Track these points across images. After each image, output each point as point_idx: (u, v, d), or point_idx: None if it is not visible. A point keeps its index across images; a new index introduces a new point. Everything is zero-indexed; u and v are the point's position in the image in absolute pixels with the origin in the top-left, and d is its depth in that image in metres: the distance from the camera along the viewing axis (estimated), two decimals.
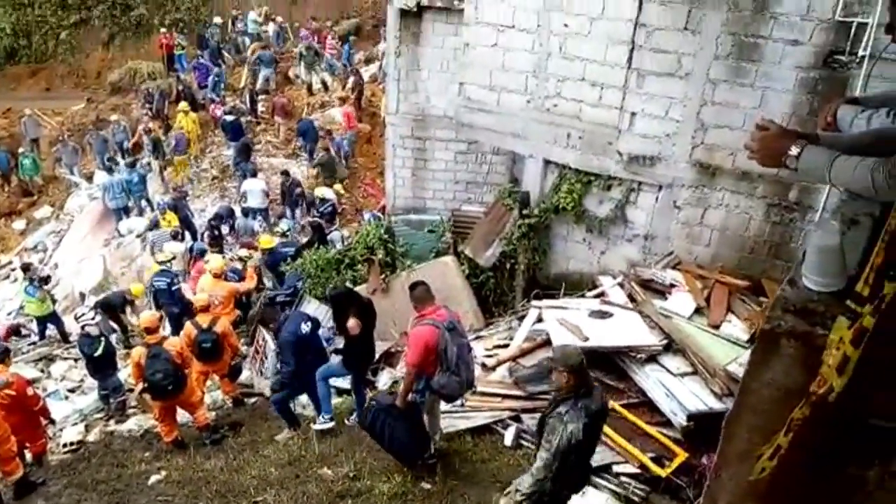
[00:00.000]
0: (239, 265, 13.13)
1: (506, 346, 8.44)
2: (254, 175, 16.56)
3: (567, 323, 7.81)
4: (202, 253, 13.46)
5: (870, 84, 6.29)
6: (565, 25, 8.85)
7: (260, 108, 20.06)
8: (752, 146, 2.57)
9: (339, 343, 7.60)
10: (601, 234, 9.65)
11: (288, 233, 14.23)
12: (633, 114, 8.82)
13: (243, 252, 14.19)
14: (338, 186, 16.26)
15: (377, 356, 8.44)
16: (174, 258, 12.81)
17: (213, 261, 11.50)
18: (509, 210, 10.03)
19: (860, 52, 7.20)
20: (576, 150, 9.37)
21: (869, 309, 1.71)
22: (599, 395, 4.50)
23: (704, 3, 7.88)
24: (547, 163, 9.76)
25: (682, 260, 9.03)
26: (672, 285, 8.47)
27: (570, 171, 9.56)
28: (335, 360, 7.67)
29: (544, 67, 9.25)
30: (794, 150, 2.41)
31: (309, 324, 7.67)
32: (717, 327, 7.66)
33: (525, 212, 9.84)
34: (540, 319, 8.45)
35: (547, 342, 7.82)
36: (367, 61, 22.14)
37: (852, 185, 2.25)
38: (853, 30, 7.21)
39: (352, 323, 6.72)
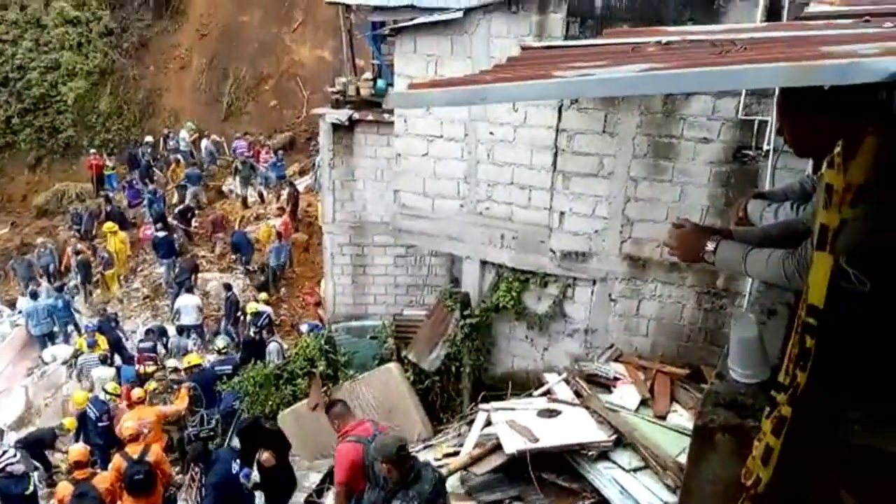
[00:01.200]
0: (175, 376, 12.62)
1: (456, 453, 8.20)
2: (189, 291, 16.18)
3: (516, 425, 7.68)
4: (133, 378, 12.84)
5: (777, 175, 6.78)
6: (491, 133, 9.25)
7: (194, 223, 19.90)
8: (671, 244, 2.68)
9: (255, 476, 7.24)
10: (542, 331, 9.71)
11: (226, 349, 13.80)
12: (562, 213, 9.12)
13: (172, 363, 13.66)
14: (263, 295, 15.84)
15: (323, 475, 8.06)
16: (110, 386, 12.20)
17: (136, 390, 11.08)
18: (451, 311, 10.04)
19: (765, 147, 7.74)
20: (511, 250, 9.57)
21: (784, 398, 1.74)
22: (431, 477, 4.44)
23: (619, 107, 8.40)
24: (484, 263, 9.91)
25: (623, 352, 9.13)
26: (616, 378, 8.51)
27: (506, 271, 9.72)
28: (259, 498, 7.27)
29: (474, 173, 9.56)
30: (710, 246, 2.52)
31: (238, 461, 7.28)
32: (663, 418, 7.66)
33: (466, 312, 9.86)
34: (489, 423, 8.29)
35: (498, 447, 7.64)
36: (302, 172, 22.47)
37: (766, 275, 2.35)
38: (756, 127, 7.79)
39: (265, 456, 6.50)
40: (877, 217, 1.66)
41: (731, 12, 7.76)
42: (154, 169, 22.44)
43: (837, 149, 1.56)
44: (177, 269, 17.12)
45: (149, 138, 24.24)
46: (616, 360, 9.03)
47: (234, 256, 18.18)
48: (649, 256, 8.79)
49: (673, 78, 1.51)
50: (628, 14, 8.14)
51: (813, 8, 4.89)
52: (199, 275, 17.84)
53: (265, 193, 20.84)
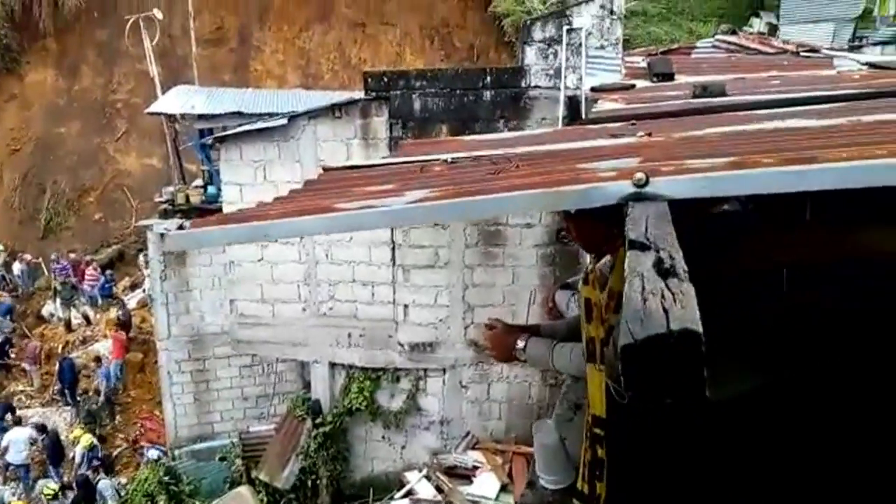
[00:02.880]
0: None
1: None
2: (18, 423, 14.37)
3: None
4: None
5: None
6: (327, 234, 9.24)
7: (11, 355, 17.87)
8: (484, 345, 2.74)
9: None
10: (399, 428, 9.55)
11: (58, 494, 12.22)
12: (406, 306, 9.20)
13: None
14: (88, 436, 13.98)
15: None
16: None
17: None
18: (301, 421, 9.63)
19: None
20: (359, 348, 9.44)
21: None
22: None
23: None
24: (333, 365, 9.67)
25: (479, 438, 9.17)
26: (475, 467, 8.49)
27: (357, 370, 9.54)
28: None
29: (314, 274, 9.44)
30: (520, 344, 2.59)
31: None
32: None
33: (318, 420, 9.50)
34: None
35: None
36: (133, 286, 21.06)
37: (570, 369, 2.45)
38: None
39: None
40: None
41: (537, 109, 8.45)
42: None
43: (590, 265, 1.68)
44: None
45: None
46: (473, 447, 9.03)
47: (57, 387, 16.41)
48: None
49: (441, 209, 1.57)
50: (444, 115, 8.61)
51: (600, 106, 5.44)
52: (19, 412, 15.87)
53: (91, 314, 19.23)
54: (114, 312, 18.15)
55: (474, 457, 8.70)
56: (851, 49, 13.18)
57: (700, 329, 0.75)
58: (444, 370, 9.27)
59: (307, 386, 10.68)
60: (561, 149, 2.39)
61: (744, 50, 9.41)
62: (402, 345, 9.26)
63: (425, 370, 9.36)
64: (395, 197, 1.78)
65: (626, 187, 1.42)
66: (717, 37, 10.83)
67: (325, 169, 2.70)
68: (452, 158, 2.41)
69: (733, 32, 10.98)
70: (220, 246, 9.54)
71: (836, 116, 2.47)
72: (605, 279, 1.59)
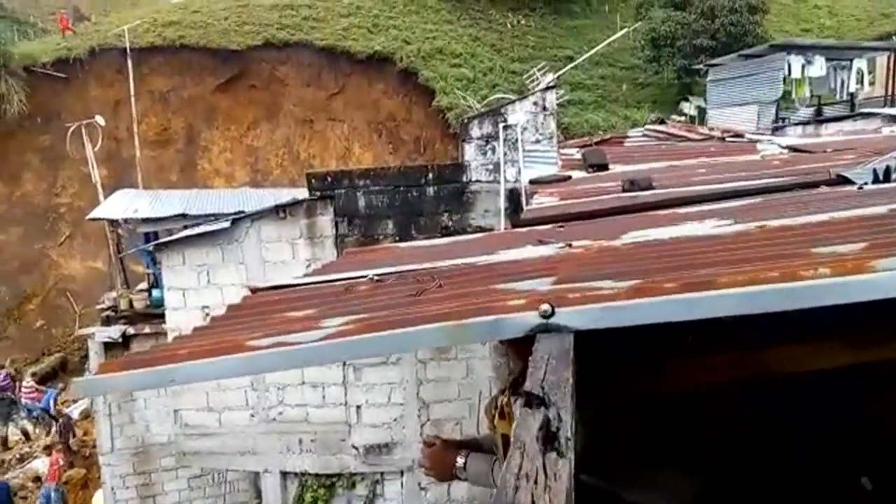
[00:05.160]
0: None
1: None
2: None
3: None
4: None
5: None
6: None
7: None
8: (424, 464, 2.64)
9: None
10: None
11: None
12: (359, 406, 8.96)
13: None
14: None
15: None
16: None
17: None
18: None
19: None
20: (311, 454, 9.09)
21: None
22: None
23: None
24: (285, 474, 9.26)
25: None
26: None
27: (310, 478, 9.16)
28: None
29: (262, 379, 9.16)
30: (459, 462, 2.51)
31: None
32: None
33: None
34: None
35: None
36: (77, 398, 20.10)
37: None
38: None
39: None
40: None
41: (479, 202, 8.63)
42: None
43: (504, 398, 1.66)
44: None
45: None
46: None
47: None
48: (451, 436, 8.78)
49: (351, 346, 1.54)
50: (390, 211, 8.71)
51: (535, 202, 5.57)
52: None
53: (31, 429, 18.22)
54: (55, 425, 17.27)
55: None
56: (775, 130, 13.96)
57: None
58: (402, 472, 8.97)
59: (259, 496, 10.18)
60: (485, 262, 2.41)
61: (672, 138, 9.89)
62: (356, 448, 8.96)
63: (382, 474, 9.04)
64: (312, 329, 1.74)
65: (532, 319, 1.42)
66: (647, 126, 11.37)
67: (252, 290, 2.66)
68: (378, 276, 2.39)
69: (661, 122, 11.55)
70: (129, 390, 9.31)
71: (749, 217, 2.56)
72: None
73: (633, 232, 2.65)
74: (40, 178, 25.33)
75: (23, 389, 19.51)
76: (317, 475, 9.10)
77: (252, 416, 9.22)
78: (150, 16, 28.53)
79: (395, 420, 8.90)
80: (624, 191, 4.64)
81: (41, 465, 16.34)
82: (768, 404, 1.77)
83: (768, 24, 25.26)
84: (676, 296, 1.33)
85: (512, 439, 0.88)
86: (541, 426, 0.88)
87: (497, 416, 1.68)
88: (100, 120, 17.39)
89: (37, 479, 15.99)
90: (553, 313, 1.39)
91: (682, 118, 19.73)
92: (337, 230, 8.93)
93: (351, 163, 25.28)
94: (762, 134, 12.11)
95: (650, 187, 4.59)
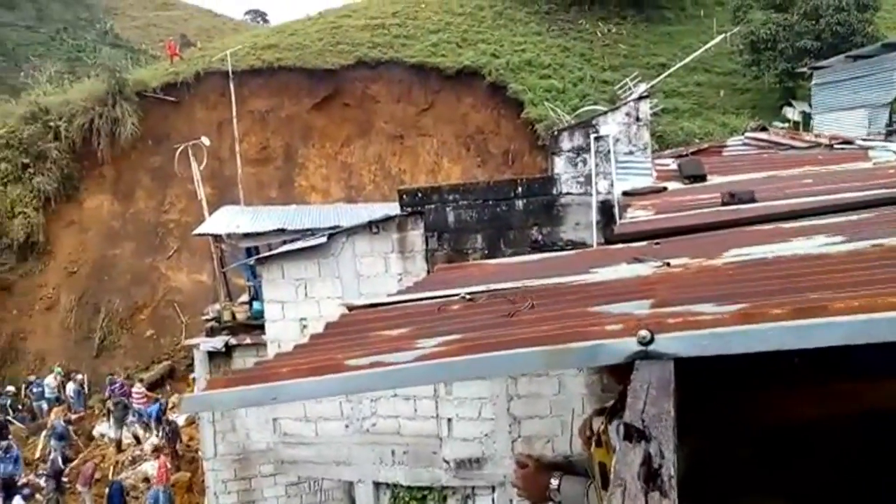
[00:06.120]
0: None
1: None
2: None
3: None
4: None
5: None
6: None
7: (63, 478, 17.91)
8: (517, 484, 2.62)
9: None
10: None
11: None
12: (450, 420, 8.99)
13: None
14: None
15: None
16: None
17: None
18: None
19: None
20: (403, 466, 9.19)
21: None
22: None
23: None
24: (377, 485, 9.41)
25: None
26: None
27: (402, 490, 9.25)
28: None
29: None
30: (553, 483, 2.47)
31: None
32: None
33: None
34: None
35: None
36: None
37: None
38: None
39: None
40: None
41: (570, 215, 8.51)
42: (12, 421, 20.42)
43: (601, 425, 1.62)
44: None
45: (10, 388, 22.37)
46: None
47: None
48: (542, 454, 8.67)
49: (446, 369, 1.55)
50: (479, 225, 8.74)
51: (629, 216, 5.45)
52: None
53: (141, 433, 19.34)
54: (163, 432, 18.24)
55: None
56: (888, 136, 13.08)
57: None
58: (493, 488, 8.91)
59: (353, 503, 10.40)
60: (579, 282, 2.38)
61: (775, 146, 9.43)
62: (447, 461, 8.98)
63: (473, 488, 9.01)
64: (408, 350, 1.77)
65: (631, 345, 1.39)
66: (748, 134, 10.91)
67: (349, 308, 2.73)
68: (470, 295, 2.41)
69: (763, 129, 11.05)
70: (234, 409, 9.70)
71: (863, 234, 2.41)
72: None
73: (735, 249, 2.54)
74: (151, 196, 27.05)
75: (133, 395, 20.75)
76: (409, 487, 9.18)
77: (346, 426, 9.42)
78: (251, 40, 30.10)
79: (485, 435, 8.86)
80: (723, 204, 4.47)
81: (150, 467, 17.30)
82: (887, 435, 1.65)
83: (879, 22, 23.75)
84: (786, 322, 1.27)
85: (612, 475, 0.86)
86: (642, 462, 0.86)
87: (594, 443, 1.65)
88: (205, 140, 18.42)
89: (146, 480, 16.94)
90: (652, 340, 1.35)
91: (786, 125, 18.80)
92: (427, 244, 9.04)
93: (440, 177, 25.59)
94: (873, 140, 11.37)
95: (752, 200, 4.40)
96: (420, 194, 9.10)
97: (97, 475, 17.72)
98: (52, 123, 26.01)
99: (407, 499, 9.15)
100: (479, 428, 8.88)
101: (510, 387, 8.72)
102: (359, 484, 9.52)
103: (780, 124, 18.57)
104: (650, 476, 0.83)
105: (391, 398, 9.22)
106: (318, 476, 10.43)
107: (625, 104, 8.61)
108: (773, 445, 1.81)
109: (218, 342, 12.37)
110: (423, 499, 9.11)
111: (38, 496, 16.49)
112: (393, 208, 9.57)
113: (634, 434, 0.96)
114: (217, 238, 14.14)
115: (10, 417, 20.76)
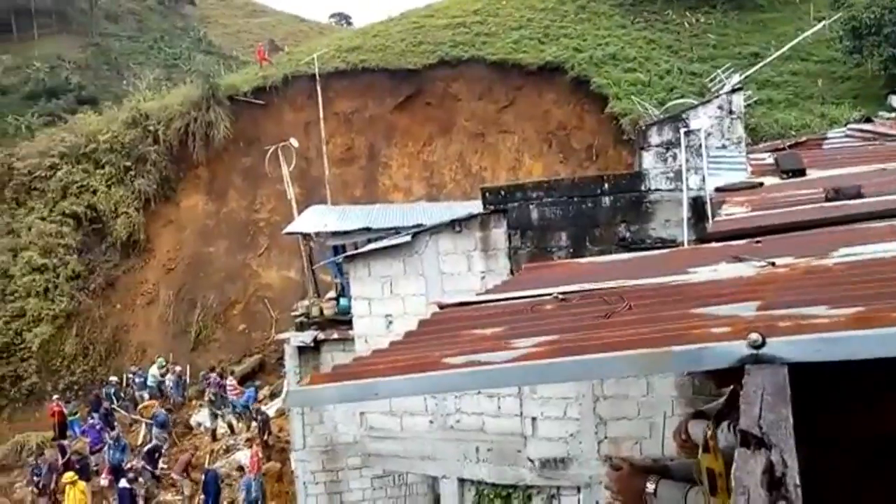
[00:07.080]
0: None
1: None
2: None
3: None
4: None
5: None
6: None
7: (161, 465, 18.94)
8: (611, 488, 2.58)
9: None
10: None
11: None
12: (534, 419, 8.94)
13: None
14: None
15: None
16: None
17: None
18: None
19: None
20: (487, 464, 9.21)
21: None
22: None
23: None
24: (462, 481, 9.47)
25: None
26: None
27: (486, 487, 9.27)
28: None
29: None
30: (649, 487, 2.42)
31: None
32: None
33: None
34: None
35: None
36: (273, 395, 22.00)
37: None
38: None
39: None
40: None
41: (659, 212, 8.29)
42: (115, 412, 21.72)
43: (709, 431, 1.57)
44: None
45: (113, 378, 23.80)
46: None
47: (202, 497, 17.11)
48: (629, 455, 8.50)
49: (545, 371, 1.55)
50: (563, 223, 8.63)
51: (724, 213, 5.26)
52: None
53: (235, 423, 20.20)
54: (255, 423, 18.95)
55: None
56: None
57: None
58: (579, 489, 8.80)
59: (437, 500, 10.50)
60: (676, 282, 2.32)
61: (882, 137, 8.85)
62: (531, 460, 8.94)
63: (558, 488, 8.93)
64: (503, 349, 1.78)
65: (740, 349, 1.34)
66: (850, 125, 10.29)
67: (441, 306, 2.77)
68: (563, 295, 2.39)
69: (867, 119, 10.39)
70: (335, 403, 9.91)
71: None
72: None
73: (844, 248, 2.41)
74: (242, 196, 28.17)
75: (227, 387, 21.68)
76: (493, 485, 9.19)
77: (431, 422, 9.53)
78: (335, 42, 30.81)
79: (571, 435, 8.77)
80: (827, 200, 4.24)
81: (243, 456, 18.07)
82: None
83: None
84: None
85: (734, 483, 0.84)
86: (764, 470, 0.84)
87: (701, 449, 1.60)
88: (293, 142, 19.03)
89: (239, 468, 17.69)
90: (764, 343, 1.31)
91: (892, 114, 17.62)
92: (510, 242, 9.02)
93: (521, 174, 25.42)
94: None
95: (859, 195, 4.15)
96: (503, 192, 9.09)
97: (194, 464, 18.63)
98: (151, 128, 27.51)
99: (492, 496, 9.16)
100: (565, 427, 8.79)
101: (596, 387, 8.59)
102: (444, 480, 9.61)
103: (886, 114, 17.41)
104: (773, 484, 0.81)
105: (475, 395, 9.25)
106: (403, 470, 10.60)
107: (717, 97, 8.30)
108: (887, 456, 1.71)
109: (307, 337, 12.76)
110: (507, 497, 9.10)
111: (140, 479, 17.47)
112: (475, 206, 9.60)
113: (752, 441, 0.93)
114: (306, 236, 14.59)
115: (114, 406, 22.06)
